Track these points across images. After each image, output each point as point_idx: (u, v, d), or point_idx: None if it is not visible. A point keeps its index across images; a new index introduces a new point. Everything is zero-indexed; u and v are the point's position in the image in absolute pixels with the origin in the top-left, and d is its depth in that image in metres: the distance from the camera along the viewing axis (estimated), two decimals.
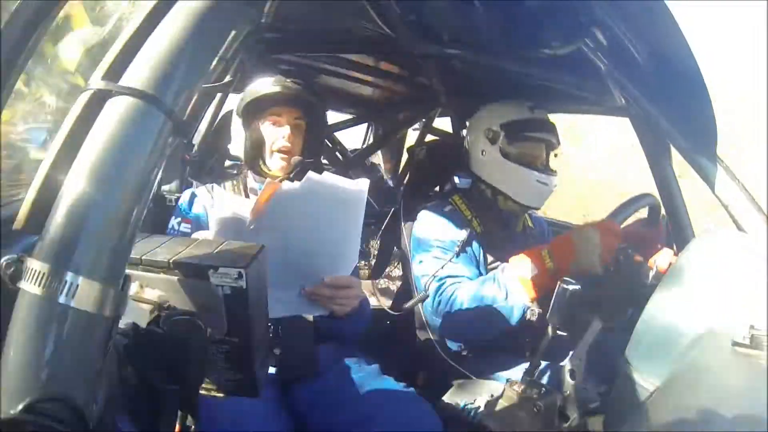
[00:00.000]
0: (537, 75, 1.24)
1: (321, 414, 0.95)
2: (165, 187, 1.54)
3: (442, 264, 1.21)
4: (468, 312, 1.14)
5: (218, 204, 0.97)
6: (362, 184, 0.90)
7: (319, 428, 0.94)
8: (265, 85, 1.20)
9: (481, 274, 1.25)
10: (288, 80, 1.21)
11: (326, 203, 0.89)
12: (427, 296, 1.18)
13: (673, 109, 0.98)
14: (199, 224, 1.16)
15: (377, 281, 1.80)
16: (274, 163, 1.20)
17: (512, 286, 1.11)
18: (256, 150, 1.21)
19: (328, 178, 0.90)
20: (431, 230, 1.29)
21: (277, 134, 1.19)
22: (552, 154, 1.34)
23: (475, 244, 1.27)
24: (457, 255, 1.23)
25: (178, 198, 1.31)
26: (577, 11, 0.91)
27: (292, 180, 1.22)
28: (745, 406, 0.47)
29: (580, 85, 1.21)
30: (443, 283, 1.19)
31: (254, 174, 1.23)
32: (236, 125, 1.24)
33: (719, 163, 1.00)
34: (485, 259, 1.28)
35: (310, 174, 0.87)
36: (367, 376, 1.02)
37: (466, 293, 1.16)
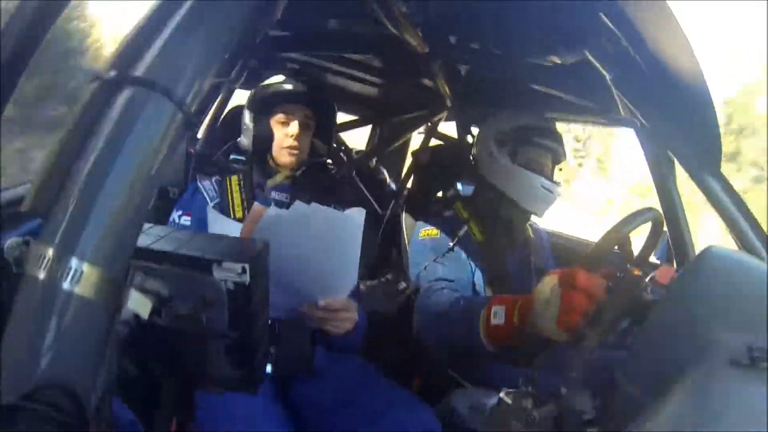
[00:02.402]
0: (542, 82, 1.25)
1: (321, 414, 0.95)
2: (168, 179, 1.54)
3: (434, 265, 1.22)
4: (438, 318, 1.11)
5: (210, 226, 0.97)
6: (358, 214, 0.90)
7: (318, 428, 0.94)
8: (276, 82, 1.23)
9: (473, 279, 1.25)
10: (298, 80, 1.23)
11: (317, 234, 0.88)
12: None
13: (679, 122, 0.98)
14: (200, 218, 1.16)
15: (372, 282, 1.80)
16: (282, 159, 1.22)
17: (475, 326, 1.00)
18: (264, 145, 1.24)
19: (317, 210, 0.88)
20: (429, 234, 1.30)
21: (286, 131, 1.21)
22: (557, 167, 1.34)
23: (471, 248, 1.27)
24: (448, 253, 1.24)
25: (182, 191, 1.31)
26: (582, 19, 0.91)
27: (298, 177, 1.24)
28: (743, 425, 0.47)
29: (585, 94, 1.21)
30: (431, 285, 1.19)
31: (260, 169, 1.24)
32: (246, 119, 1.26)
33: (722, 179, 1.00)
34: (483, 267, 1.28)
35: (297, 204, 0.86)
36: (366, 378, 1.02)
37: (445, 299, 1.13)
